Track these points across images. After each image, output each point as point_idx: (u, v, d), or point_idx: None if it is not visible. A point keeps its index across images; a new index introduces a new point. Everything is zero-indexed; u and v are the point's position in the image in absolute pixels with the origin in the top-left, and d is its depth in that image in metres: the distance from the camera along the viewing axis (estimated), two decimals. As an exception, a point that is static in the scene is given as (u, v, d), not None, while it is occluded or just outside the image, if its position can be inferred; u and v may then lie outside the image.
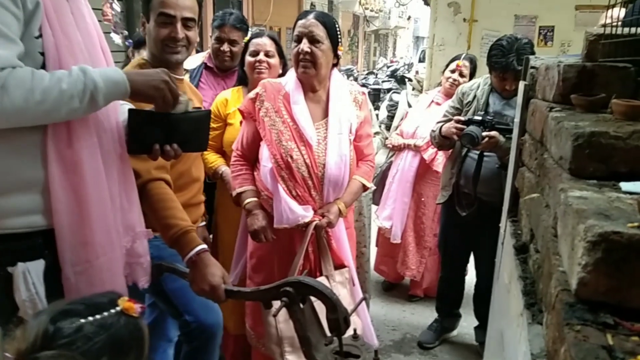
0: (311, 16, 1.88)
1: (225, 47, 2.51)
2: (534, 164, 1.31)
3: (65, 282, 1.17)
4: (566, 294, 0.71)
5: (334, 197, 1.93)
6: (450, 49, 5.24)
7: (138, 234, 1.39)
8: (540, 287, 1.00)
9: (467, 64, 3.14)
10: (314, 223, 1.86)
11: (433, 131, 2.63)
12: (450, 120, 2.52)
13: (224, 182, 2.22)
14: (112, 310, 0.95)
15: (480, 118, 2.37)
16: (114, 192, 1.27)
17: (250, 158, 2.01)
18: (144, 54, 2.60)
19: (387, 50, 30.27)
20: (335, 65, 1.98)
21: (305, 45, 1.84)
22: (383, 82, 12.37)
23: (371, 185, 2.07)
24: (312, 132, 1.89)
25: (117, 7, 3.99)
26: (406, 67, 16.44)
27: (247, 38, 2.38)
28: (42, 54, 1.11)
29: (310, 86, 1.93)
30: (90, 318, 0.91)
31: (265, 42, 2.28)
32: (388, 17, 26.13)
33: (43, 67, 1.12)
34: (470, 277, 2.90)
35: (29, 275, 1.12)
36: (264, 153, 1.91)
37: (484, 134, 2.31)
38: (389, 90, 11.03)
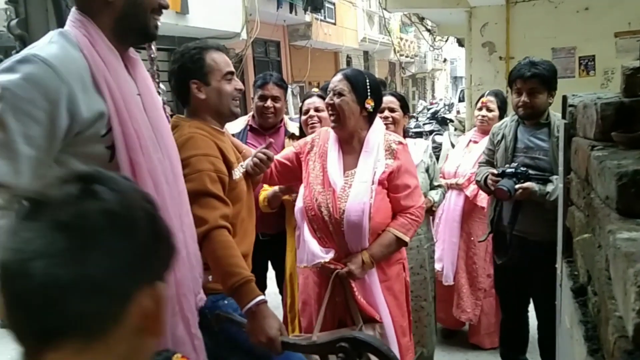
0: (339, 73, 2.06)
1: (269, 103, 2.68)
2: (582, 203, 1.29)
3: None
4: (624, 341, 0.69)
5: (357, 245, 1.94)
6: (489, 87, 5.23)
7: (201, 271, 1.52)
8: (602, 333, 0.96)
9: (492, 98, 3.19)
10: (336, 271, 1.91)
11: (478, 181, 2.66)
12: (487, 162, 2.64)
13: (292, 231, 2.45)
14: None
15: (513, 170, 2.38)
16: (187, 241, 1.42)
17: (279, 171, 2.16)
18: None
19: (425, 93, 30.45)
20: (368, 117, 2.04)
21: (328, 99, 2.02)
22: (424, 124, 12.39)
23: (407, 240, 2.01)
24: (337, 177, 1.98)
25: (163, 86, 4.28)
26: (446, 107, 16.43)
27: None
28: (110, 147, 1.25)
29: (344, 138, 2.05)
30: None
31: (314, 100, 2.57)
32: (424, 61, 26.46)
33: (111, 159, 1.26)
34: (534, 320, 2.78)
35: None
36: (300, 192, 2.08)
37: (517, 186, 2.33)
38: (431, 132, 11.03)
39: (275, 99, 2.68)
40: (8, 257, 0.56)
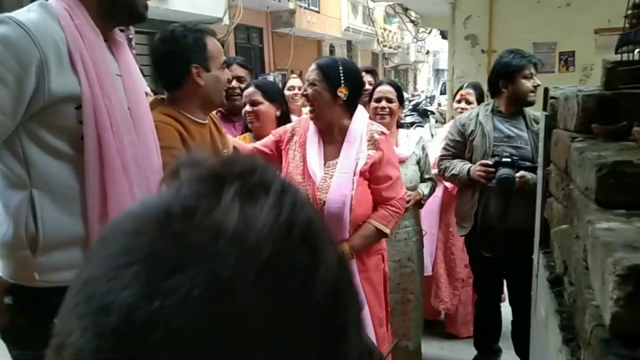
0: (314, 63, 2.01)
1: (234, 83, 2.64)
2: (561, 194, 1.30)
3: None
4: (601, 330, 0.70)
5: (337, 236, 1.90)
6: (471, 80, 5.26)
7: None
8: (577, 322, 0.97)
9: (470, 90, 3.20)
10: None
11: (454, 175, 2.56)
12: (454, 154, 2.59)
13: None
14: None
15: (509, 160, 2.35)
16: None
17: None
18: None
19: (407, 84, 30.56)
20: (346, 106, 1.98)
21: (303, 89, 2.01)
22: (406, 116, 12.44)
23: (388, 231, 1.98)
24: (317, 168, 1.95)
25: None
26: (428, 100, 16.53)
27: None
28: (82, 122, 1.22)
29: (323, 128, 2.02)
30: None
31: (251, 92, 2.39)
32: (407, 53, 26.53)
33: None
34: (508, 310, 2.82)
35: None
36: None
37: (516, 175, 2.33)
38: (412, 124, 11.10)
39: (239, 79, 2.66)
40: None
